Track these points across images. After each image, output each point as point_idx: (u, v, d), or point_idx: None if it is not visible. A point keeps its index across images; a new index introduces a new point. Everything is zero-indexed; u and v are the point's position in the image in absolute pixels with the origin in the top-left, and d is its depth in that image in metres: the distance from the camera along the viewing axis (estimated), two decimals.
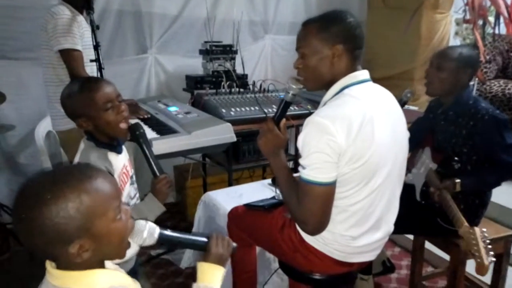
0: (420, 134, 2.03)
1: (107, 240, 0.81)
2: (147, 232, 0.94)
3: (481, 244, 1.35)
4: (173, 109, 2.45)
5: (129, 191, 1.43)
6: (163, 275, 2.42)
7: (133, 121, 1.50)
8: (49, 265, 0.81)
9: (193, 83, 2.96)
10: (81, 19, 2.14)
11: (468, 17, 3.06)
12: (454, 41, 3.37)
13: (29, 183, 0.78)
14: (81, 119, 1.33)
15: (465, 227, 1.46)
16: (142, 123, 2.21)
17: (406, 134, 1.40)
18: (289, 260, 1.45)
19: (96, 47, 2.01)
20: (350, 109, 1.20)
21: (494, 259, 1.34)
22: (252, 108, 2.53)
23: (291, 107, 2.44)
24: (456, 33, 3.23)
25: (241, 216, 1.69)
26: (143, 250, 2.64)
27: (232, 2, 3.37)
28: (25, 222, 0.74)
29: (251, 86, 2.96)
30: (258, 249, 1.85)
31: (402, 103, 1.96)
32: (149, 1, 3.11)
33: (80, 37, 2.09)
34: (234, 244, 1.06)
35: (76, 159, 1.36)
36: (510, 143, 1.71)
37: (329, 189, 1.21)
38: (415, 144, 2.09)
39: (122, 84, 3.08)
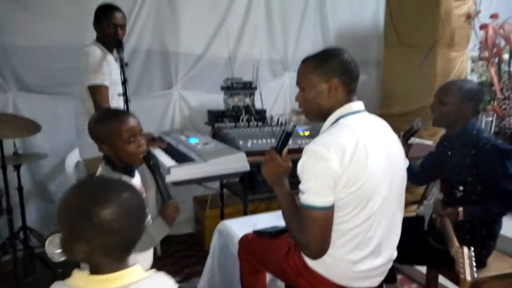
0: (432, 167, 2.08)
1: None
2: None
3: (467, 262, 1.41)
4: (193, 140, 2.59)
5: None
6: None
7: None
8: (81, 275, 0.92)
9: (214, 117, 3.11)
10: (111, 58, 2.36)
11: (483, 55, 3.12)
12: (471, 78, 3.41)
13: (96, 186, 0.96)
14: (104, 145, 1.47)
15: (455, 246, 1.49)
16: (163, 152, 2.37)
17: (403, 162, 1.45)
18: (294, 285, 1.49)
19: (124, 82, 2.19)
20: (344, 137, 1.29)
21: (476, 276, 1.40)
22: (269, 140, 2.63)
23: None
24: (472, 70, 3.27)
25: (250, 243, 1.76)
26: None
27: (253, 42, 3.57)
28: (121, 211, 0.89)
29: (269, 120, 3.09)
30: (269, 277, 1.89)
31: (413, 132, 2.01)
32: (176, 41, 3.34)
33: (109, 75, 2.29)
34: None
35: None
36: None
37: (328, 213, 1.28)
38: (428, 176, 2.13)
39: (148, 117, 3.30)
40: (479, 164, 1.78)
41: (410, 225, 1.98)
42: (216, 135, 2.90)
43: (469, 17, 3.16)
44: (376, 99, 3.96)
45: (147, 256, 1.64)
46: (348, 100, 1.40)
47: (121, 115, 1.53)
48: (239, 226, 2.30)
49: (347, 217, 1.30)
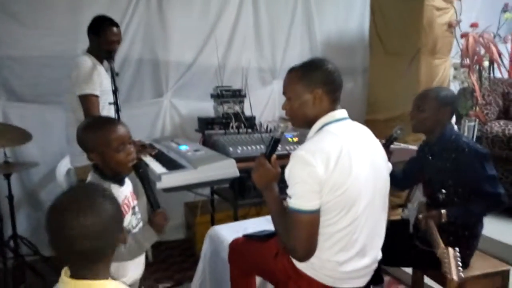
0: (414, 172, 2.15)
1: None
2: None
3: (453, 262, 1.46)
4: (183, 147, 2.63)
5: (130, 220, 1.56)
6: None
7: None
8: (65, 276, 0.96)
9: (204, 124, 3.15)
10: (101, 68, 2.41)
11: (465, 62, 3.22)
12: (453, 84, 3.51)
13: (78, 195, 0.99)
14: (93, 154, 1.48)
15: (441, 248, 1.55)
16: (153, 159, 2.41)
17: (386, 167, 1.52)
18: (283, 287, 1.54)
19: (115, 91, 2.24)
20: (328, 144, 1.35)
21: (462, 275, 1.44)
22: (258, 147, 2.69)
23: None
24: (454, 77, 3.37)
25: (240, 247, 1.80)
26: (150, 283, 2.75)
27: (242, 51, 3.63)
28: (90, 222, 0.93)
29: (258, 127, 3.15)
30: (259, 280, 1.93)
31: (393, 139, 2.09)
32: (166, 50, 3.39)
33: (99, 84, 2.33)
34: None
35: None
36: (491, 174, 1.82)
37: (314, 216, 1.33)
38: (410, 181, 2.21)
39: (139, 125, 3.35)
40: (459, 167, 1.86)
41: (395, 228, 2.05)
42: (206, 142, 2.95)
43: (450, 26, 3.27)
44: (363, 105, 4.04)
45: (139, 263, 1.66)
46: (332, 108, 1.47)
47: (110, 123, 1.53)
48: (229, 232, 2.34)
49: (332, 220, 1.36)
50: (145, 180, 1.56)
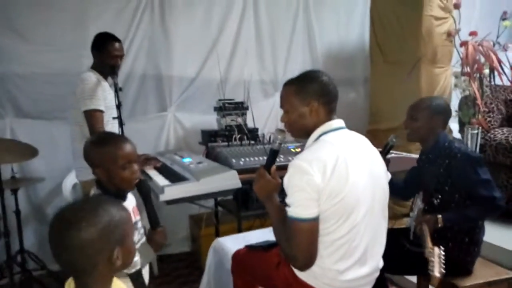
0: (414, 180, 2.17)
1: (129, 253, 1.05)
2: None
3: (436, 260, 1.51)
4: (187, 160, 2.66)
5: None
6: None
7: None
8: (68, 287, 0.99)
9: (208, 136, 3.18)
10: (105, 84, 2.46)
11: (465, 70, 3.24)
12: (455, 93, 3.52)
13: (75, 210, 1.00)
14: (98, 169, 1.49)
15: (428, 248, 1.57)
16: (157, 172, 2.44)
17: (385, 175, 1.54)
18: None
19: (118, 106, 2.28)
20: (325, 153, 1.37)
21: (444, 271, 1.49)
22: (261, 158, 2.71)
23: None
24: (456, 85, 3.39)
25: (243, 257, 1.82)
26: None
27: (244, 64, 3.69)
28: (79, 238, 0.93)
29: (261, 138, 3.18)
30: None
31: (389, 147, 2.11)
32: (169, 65, 3.45)
33: (104, 100, 2.38)
34: None
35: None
36: (485, 178, 1.83)
37: (313, 224, 1.35)
38: (413, 190, 2.21)
39: (144, 139, 3.39)
40: (452, 173, 1.89)
41: (398, 236, 2.06)
42: (210, 154, 2.98)
43: (449, 35, 3.30)
44: (365, 115, 4.06)
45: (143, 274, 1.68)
46: (329, 118, 1.50)
47: (119, 140, 1.54)
48: (233, 243, 2.35)
49: (331, 228, 1.37)
50: (147, 198, 1.58)
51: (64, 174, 2.94)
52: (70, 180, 2.88)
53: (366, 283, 1.49)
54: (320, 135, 1.47)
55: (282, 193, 1.47)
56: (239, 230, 2.65)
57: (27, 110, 3.10)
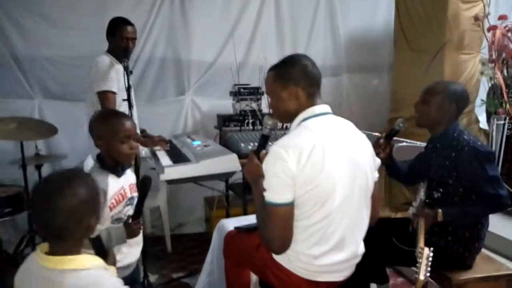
0: (420, 168, 2.09)
1: (97, 224, 1.14)
2: None
3: (424, 262, 1.45)
4: (196, 143, 2.73)
5: (122, 210, 1.66)
6: None
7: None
8: (43, 254, 1.08)
9: (222, 121, 3.23)
10: (119, 66, 2.54)
11: (493, 57, 3.06)
12: (481, 80, 3.34)
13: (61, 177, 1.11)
14: (99, 141, 1.61)
15: (419, 247, 1.52)
16: (165, 153, 2.52)
17: (369, 162, 1.50)
18: (264, 277, 1.58)
19: (128, 89, 2.36)
20: (301, 139, 1.37)
21: (428, 274, 1.44)
22: (270, 143, 2.72)
23: None
24: (482, 73, 3.20)
25: (232, 239, 1.86)
26: (165, 272, 2.88)
27: (263, 49, 3.66)
28: (71, 203, 1.04)
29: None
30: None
31: (395, 132, 2.01)
32: (188, 50, 3.53)
33: (117, 82, 2.48)
34: None
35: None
36: (492, 175, 1.73)
37: (287, 209, 1.36)
38: (416, 177, 2.14)
39: (162, 122, 3.51)
40: (458, 166, 1.79)
41: (397, 227, 2.02)
42: (222, 138, 3.04)
43: (477, 19, 3.12)
44: (388, 103, 3.95)
45: (135, 252, 1.74)
46: (311, 103, 1.48)
47: (120, 116, 1.67)
48: (235, 225, 2.40)
49: (306, 214, 1.38)
50: (144, 193, 1.63)
51: (87, 152, 3.10)
52: (91, 160, 3.04)
53: (344, 268, 1.49)
54: (302, 121, 1.47)
55: None
56: (245, 213, 2.69)
57: (54, 91, 3.29)
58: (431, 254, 1.44)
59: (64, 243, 1.07)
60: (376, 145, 1.99)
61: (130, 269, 1.71)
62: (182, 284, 2.74)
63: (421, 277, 1.41)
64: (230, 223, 2.46)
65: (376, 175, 1.57)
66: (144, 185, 1.61)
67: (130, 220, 1.58)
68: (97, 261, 1.13)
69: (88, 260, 1.09)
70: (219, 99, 3.59)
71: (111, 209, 1.60)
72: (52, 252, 1.08)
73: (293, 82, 1.45)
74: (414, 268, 1.48)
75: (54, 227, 1.04)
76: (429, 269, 1.44)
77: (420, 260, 1.46)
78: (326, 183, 1.35)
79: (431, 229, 1.80)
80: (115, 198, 1.61)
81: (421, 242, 1.57)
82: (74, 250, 1.08)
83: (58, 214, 1.03)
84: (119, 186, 1.65)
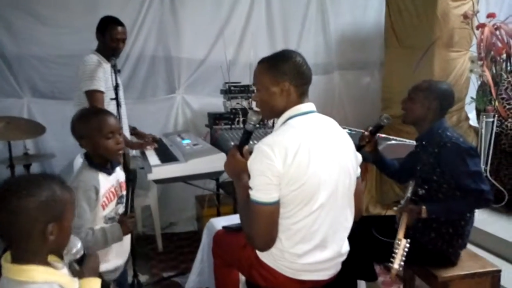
0: (410, 165, 2.10)
1: (63, 234, 1.07)
2: (77, 249, 1.16)
3: (400, 252, 1.49)
4: (186, 141, 2.72)
5: (113, 208, 1.66)
6: None
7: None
8: (5, 261, 1.04)
9: (213, 119, 3.23)
10: (107, 66, 2.52)
11: (482, 54, 3.07)
12: (471, 78, 3.36)
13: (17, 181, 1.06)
14: (84, 140, 1.60)
15: (397, 239, 1.54)
16: (154, 152, 2.52)
17: (352, 160, 1.51)
18: (249, 277, 1.58)
19: (116, 87, 2.35)
20: (287, 138, 1.37)
21: (403, 264, 1.49)
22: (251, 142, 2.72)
23: None
24: (471, 71, 3.22)
25: (220, 238, 1.86)
26: (156, 271, 2.87)
27: (253, 46, 3.67)
28: (16, 204, 0.98)
29: (265, 122, 3.18)
30: None
31: (379, 127, 2.04)
32: (178, 47, 3.51)
33: (105, 81, 2.46)
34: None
35: (74, 174, 1.64)
36: (474, 170, 1.75)
37: (272, 208, 1.36)
38: (406, 175, 2.16)
39: (153, 120, 3.50)
40: (441, 162, 1.81)
41: (385, 224, 2.03)
42: (212, 136, 3.03)
43: (466, 17, 3.13)
44: (379, 100, 3.96)
45: (123, 252, 1.73)
46: (299, 101, 1.47)
47: (102, 113, 1.66)
48: (224, 224, 2.41)
49: (290, 213, 1.38)
50: (130, 186, 1.66)
51: (76, 151, 3.08)
52: (80, 158, 3.02)
53: (329, 267, 1.49)
54: (288, 119, 1.46)
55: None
56: (235, 211, 2.69)
57: (43, 90, 3.27)
58: (408, 245, 1.46)
59: (17, 249, 1.02)
60: (361, 138, 2.06)
61: (117, 272, 1.70)
62: (173, 283, 2.74)
63: (395, 265, 1.45)
64: (220, 222, 2.46)
65: (358, 171, 1.58)
66: (129, 179, 1.61)
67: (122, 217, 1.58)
68: (54, 276, 1.04)
69: (40, 273, 1.01)
70: (210, 97, 3.58)
71: (103, 208, 1.59)
72: (12, 260, 1.03)
73: (286, 78, 1.43)
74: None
75: (5, 228, 1.00)
76: (403, 259, 1.46)
77: (396, 251, 1.48)
78: (310, 183, 1.35)
79: (415, 226, 1.82)
80: (106, 196, 1.60)
81: (399, 234, 1.60)
82: (29, 258, 1.01)
83: (9, 213, 0.98)
84: (110, 184, 1.65)
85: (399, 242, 1.51)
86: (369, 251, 1.89)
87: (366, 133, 2.05)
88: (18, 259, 1.02)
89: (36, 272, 1.01)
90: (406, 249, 1.48)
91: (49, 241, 1.01)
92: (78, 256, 1.16)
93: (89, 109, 1.86)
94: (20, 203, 0.98)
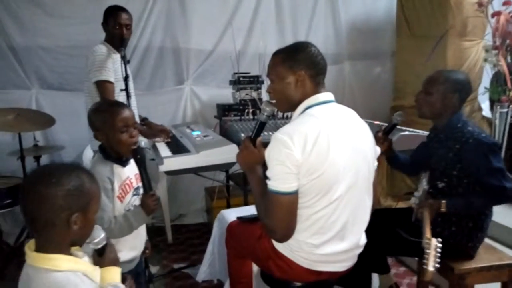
0: (422, 158, 2.07)
1: (87, 225, 1.06)
2: (100, 239, 1.15)
3: (432, 253, 1.43)
4: (196, 133, 2.70)
5: (130, 200, 1.64)
6: (181, 287, 2.60)
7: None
8: (28, 249, 1.03)
9: (222, 110, 3.20)
10: (117, 56, 2.49)
11: (497, 43, 3.01)
12: (485, 68, 3.29)
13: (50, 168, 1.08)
14: (98, 132, 1.58)
15: (425, 238, 1.50)
16: (165, 144, 2.49)
17: (371, 152, 1.48)
18: (265, 268, 1.56)
19: (126, 78, 2.33)
20: (306, 127, 1.34)
21: (438, 265, 1.42)
22: (271, 133, 2.69)
23: None
24: (485, 60, 3.16)
25: (234, 229, 1.84)
26: (166, 263, 2.87)
27: (262, 36, 3.61)
28: (44, 191, 0.98)
29: (274, 113, 3.15)
30: None
31: (393, 126, 2.01)
32: (187, 38, 3.47)
33: (114, 71, 2.43)
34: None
35: (88, 166, 1.62)
36: (496, 167, 1.70)
37: (291, 198, 1.34)
38: (418, 167, 2.12)
39: (162, 111, 3.47)
40: (463, 158, 1.76)
41: (399, 217, 2.00)
42: (221, 128, 3.00)
43: (480, 5, 3.06)
44: (390, 91, 3.91)
45: (136, 244, 1.72)
46: (316, 91, 1.45)
47: (117, 106, 1.62)
48: (236, 216, 2.39)
49: (309, 203, 1.36)
50: (142, 164, 1.63)
51: (85, 143, 3.08)
52: (90, 150, 3.01)
53: (346, 258, 1.47)
54: (306, 109, 1.43)
55: (265, 166, 1.46)
56: (246, 204, 2.68)
57: (51, 81, 3.25)
58: (440, 245, 1.42)
59: (41, 238, 1.01)
60: (375, 139, 1.98)
61: (134, 262, 1.69)
62: (184, 275, 2.73)
63: (430, 268, 1.40)
64: (231, 214, 2.45)
65: (376, 163, 1.55)
66: (139, 157, 1.59)
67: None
68: (78, 264, 1.04)
69: (65, 262, 1.02)
70: (219, 88, 3.55)
71: (121, 201, 1.58)
72: (35, 248, 1.02)
73: (301, 68, 1.41)
74: (416, 259, 1.46)
75: (31, 216, 1.00)
76: (438, 260, 1.42)
77: (428, 251, 1.44)
78: (330, 172, 1.33)
79: (434, 220, 1.78)
80: (122, 188, 1.59)
81: (427, 233, 1.55)
82: (52, 247, 1.01)
83: (35, 200, 0.98)
84: (125, 176, 1.63)
85: (429, 242, 1.46)
86: (381, 244, 1.86)
87: (379, 133, 1.99)
88: (42, 248, 1.01)
89: (60, 261, 1.01)
90: (439, 250, 1.43)
91: (72, 231, 1.01)
92: (100, 245, 1.15)
93: (104, 102, 1.84)
94: (47, 191, 0.98)
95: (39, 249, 1.01)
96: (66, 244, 1.04)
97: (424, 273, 1.42)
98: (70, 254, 1.06)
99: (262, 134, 1.53)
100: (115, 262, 1.19)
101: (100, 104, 1.68)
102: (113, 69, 2.44)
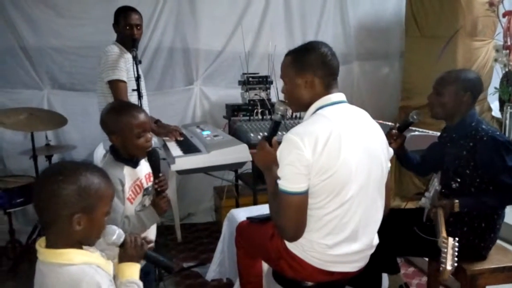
0: (434, 158, 2.06)
1: (94, 226, 1.07)
2: (116, 236, 1.17)
3: (450, 252, 1.43)
4: (206, 133, 2.72)
5: (141, 201, 1.65)
6: (190, 286, 2.62)
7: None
8: (39, 246, 1.05)
9: (231, 110, 3.21)
10: (128, 56, 2.52)
11: (508, 43, 3.00)
12: (495, 68, 3.28)
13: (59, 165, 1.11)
14: (114, 136, 1.56)
15: (442, 237, 1.50)
16: (176, 143, 2.51)
17: (384, 152, 1.48)
18: (277, 268, 1.57)
19: (137, 79, 2.34)
20: (317, 127, 1.34)
21: (456, 264, 1.43)
22: (280, 133, 2.69)
23: None
24: (495, 60, 3.14)
25: (245, 229, 1.85)
26: (176, 261, 2.89)
27: (271, 37, 3.62)
28: (50, 188, 1.00)
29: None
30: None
31: (408, 124, 1.99)
32: (196, 38, 3.49)
33: (126, 71, 2.46)
34: (150, 245, 1.29)
35: (99, 165, 1.63)
36: (510, 166, 1.69)
37: (301, 198, 1.34)
38: (430, 167, 2.12)
39: (171, 111, 3.50)
40: (477, 157, 1.75)
41: (409, 217, 2.00)
42: (231, 128, 3.02)
43: (491, 4, 3.04)
44: (399, 91, 3.90)
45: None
46: (327, 92, 1.45)
47: (134, 110, 1.59)
48: (246, 215, 2.40)
49: (321, 203, 1.36)
50: (155, 168, 1.65)
51: (96, 143, 3.11)
52: (101, 149, 3.04)
53: (358, 259, 1.48)
54: (317, 109, 1.44)
55: None
56: (255, 203, 2.69)
57: (62, 81, 3.29)
58: (457, 244, 1.42)
59: (51, 234, 1.03)
60: (388, 135, 1.97)
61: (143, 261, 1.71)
62: (193, 274, 2.75)
63: (448, 267, 1.40)
64: (240, 213, 2.47)
65: (389, 164, 1.55)
66: (153, 159, 1.60)
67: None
68: (91, 258, 1.07)
69: (77, 255, 1.03)
70: (228, 88, 3.57)
71: (131, 202, 1.58)
72: (46, 245, 1.04)
73: (310, 70, 1.42)
74: (426, 259, 1.46)
75: (38, 209, 1.02)
76: (455, 259, 1.42)
77: (445, 250, 1.44)
78: (342, 172, 1.33)
79: (446, 220, 1.78)
80: (132, 189, 1.59)
81: (443, 232, 1.55)
82: (62, 243, 1.02)
83: (42, 197, 1.00)
84: (136, 177, 1.63)
85: (445, 241, 1.46)
86: (392, 244, 1.86)
87: (394, 130, 1.98)
88: (52, 244, 1.03)
89: (73, 255, 1.03)
90: (457, 249, 1.44)
91: (75, 230, 1.01)
92: (120, 241, 1.18)
93: (118, 104, 1.82)
94: (52, 187, 1.00)
95: (50, 245, 1.03)
96: (74, 240, 1.05)
97: (442, 272, 1.42)
98: (81, 249, 1.07)
99: (279, 133, 1.54)
100: (135, 258, 1.21)
101: (114, 107, 1.65)
102: (125, 68, 2.47)
